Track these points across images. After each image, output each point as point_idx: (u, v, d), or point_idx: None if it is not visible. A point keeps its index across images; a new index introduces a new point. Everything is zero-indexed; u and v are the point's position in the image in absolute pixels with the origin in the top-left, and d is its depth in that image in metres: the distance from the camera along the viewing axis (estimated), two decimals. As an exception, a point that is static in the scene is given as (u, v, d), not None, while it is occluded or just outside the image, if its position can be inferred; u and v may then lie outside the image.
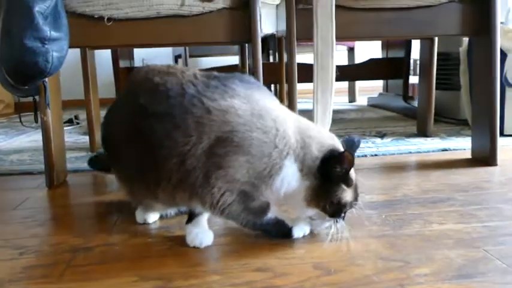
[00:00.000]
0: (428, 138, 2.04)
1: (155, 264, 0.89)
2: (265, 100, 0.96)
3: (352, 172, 0.96)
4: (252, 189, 0.90)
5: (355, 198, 0.98)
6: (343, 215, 0.97)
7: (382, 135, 2.15)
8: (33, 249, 0.99)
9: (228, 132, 0.88)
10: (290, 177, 0.92)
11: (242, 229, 0.99)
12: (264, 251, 0.93)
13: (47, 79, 1.34)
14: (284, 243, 0.96)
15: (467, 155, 1.68)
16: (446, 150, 1.80)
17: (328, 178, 0.93)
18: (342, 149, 0.96)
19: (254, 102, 0.92)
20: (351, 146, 1.02)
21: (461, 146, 1.83)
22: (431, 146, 1.86)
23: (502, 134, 1.98)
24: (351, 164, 0.93)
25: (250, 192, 0.91)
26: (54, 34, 1.19)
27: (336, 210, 0.94)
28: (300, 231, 0.99)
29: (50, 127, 1.44)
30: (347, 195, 0.95)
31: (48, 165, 1.46)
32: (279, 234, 0.98)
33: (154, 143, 0.92)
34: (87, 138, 2.11)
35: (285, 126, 0.93)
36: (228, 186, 0.89)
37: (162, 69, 1.01)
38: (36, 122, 1.45)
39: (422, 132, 2.14)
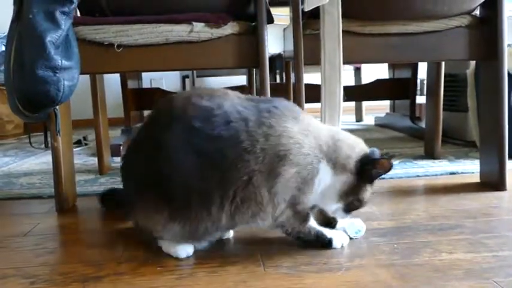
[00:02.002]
0: (436, 161, 2.04)
1: (164, 295, 0.90)
2: (305, 119, 1.09)
3: None
4: (299, 192, 1.03)
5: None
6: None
7: (390, 157, 2.13)
8: (44, 278, 1.00)
9: (284, 151, 1.01)
10: (325, 177, 1.06)
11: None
12: (272, 281, 0.93)
13: (58, 107, 1.35)
14: (291, 273, 0.96)
15: (476, 178, 1.68)
16: (454, 173, 1.79)
17: (362, 177, 1.08)
18: (370, 151, 1.12)
19: (300, 123, 1.06)
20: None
21: (470, 169, 1.83)
22: (440, 169, 1.86)
23: (510, 157, 1.97)
24: (386, 169, 1.08)
25: (297, 195, 1.04)
26: (65, 63, 1.21)
27: (357, 206, 1.11)
28: (339, 242, 1.10)
29: (60, 153, 1.45)
30: (368, 194, 1.11)
31: (58, 190, 1.47)
32: (319, 243, 1.09)
33: (220, 165, 0.99)
34: (95, 159, 2.12)
35: (322, 139, 1.08)
36: (284, 195, 1.02)
37: (207, 92, 1.08)
38: (46, 146, 1.46)
39: (430, 154, 2.14)
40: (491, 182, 1.59)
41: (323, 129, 1.12)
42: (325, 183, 1.07)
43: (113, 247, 1.17)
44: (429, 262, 0.99)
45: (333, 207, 1.11)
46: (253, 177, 1.00)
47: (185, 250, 1.07)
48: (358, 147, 1.10)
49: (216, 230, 1.05)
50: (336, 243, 1.09)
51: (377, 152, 1.15)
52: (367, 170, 1.07)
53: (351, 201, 1.09)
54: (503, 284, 0.87)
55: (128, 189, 1.13)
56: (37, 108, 1.24)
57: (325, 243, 1.09)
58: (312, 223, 1.08)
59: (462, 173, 1.79)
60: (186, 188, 1.00)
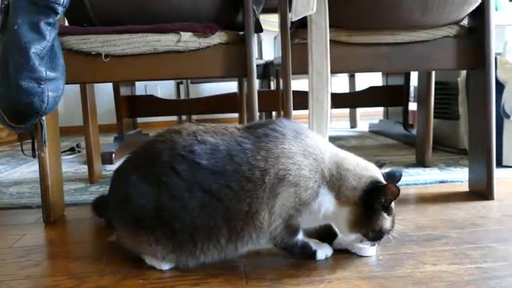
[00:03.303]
0: (427, 169, 2.04)
1: (145, 309, 0.89)
2: (307, 139, 1.09)
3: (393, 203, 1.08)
4: (295, 212, 1.04)
5: (393, 226, 1.08)
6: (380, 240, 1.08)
7: (380, 165, 2.13)
8: (26, 291, 0.99)
9: (284, 170, 1.02)
10: (326, 203, 1.05)
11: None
12: (254, 295, 0.93)
13: (44, 117, 1.35)
14: (273, 286, 0.96)
15: (465, 187, 1.68)
16: (444, 182, 1.79)
17: (371, 207, 1.04)
18: (380, 179, 1.07)
19: (299, 143, 1.07)
20: (392, 178, 1.12)
21: (460, 177, 1.83)
22: (429, 177, 1.86)
23: (500, 165, 1.98)
24: (395, 195, 1.04)
25: (293, 214, 1.04)
26: (50, 74, 1.21)
27: (377, 236, 1.06)
28: (322, 253, 1.10)
29: (47, 163, 1.45)
30: (387, 222, 1.06)
31: (45, 201, 1.46)
32: (304, 255, 1.09)
33: (225, 199, 1.00)
34: (87, 167, 2.11)
35: (325, 163, 1.06)
36: (281, 213, 1.03)
37: (208, 129, 1.08)
38: (34, 157, 1.46)
39: (421, 162, 2.14)
40: (479, 191, 1.59)
41: (328, 152, 1.09)
42: (327, 209, 1.05)
43: (97, 259, 1.16)
44: (411, 274, 0.99)
45: (351, 237, 1.07)
46: (255, 205, 1.01)
47: (169, 263, 1.07)
48: (365, 177, 1.06)
49: (218, 259, 1.06)
50: (320, 255, 1.09)
51: (398, 173, 1.15)
52: (376, 200, 1.03)
53: (367, 232, 1.04)
54: (483, 297, 0.87)
55: (119, 213, 1.10)
56: (22, 119, 1.24)
57: (310, 255, 1.09)
58: (300, 236, 1.08)
59: (452, 181, 1.80)
60: (192, 224, 1.00)
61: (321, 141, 1.12)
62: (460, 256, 1.08)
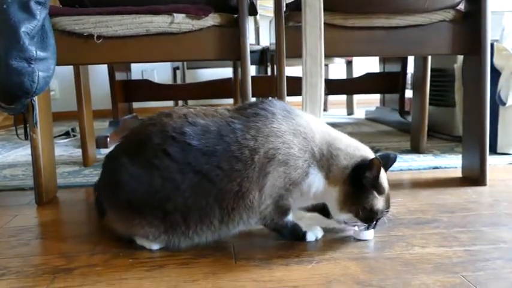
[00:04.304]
0: (421, 155, 2.04)
1: (132, 287, 0.89)
2: (298, 118, 1.08)
3: (384, 181, 1.07)
4: (286, 192, 1.03)
5: (387, 207, 1.07)
6: (374, 222, 1.06)
7: (375, 152, 2.13)
8: (15, 270, 0.99)
9: (273, 150, 1.02)
10: (317, 183, 1.04)
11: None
12: (242, 273, 0.93)
13: (35, 98, 1.34)
14: (262, 266, 0.96)
15: (458, 173, 1.68)
16: (437, 168, 1.79)
17: (361, 185, 1.03)
18: (382, 155, 1.09)
19: (289, 122, 1.06)
20: (386, 161, 1.11)
21: (453, 164, 1.82)
22: (423, 164, 1.86)
23: (495, 152, 1.98)
24: (378, 168, 1.02)
25: (283, 194, 1.03)
26: (40, 54, 1.20)
27: (368, 216, 1.04)
28: (312, 235, 1.10)
29: (39, 145, 1.44)
30: (378, 202, 1.04)
31: (37, 182, 1.46)
32: (294, 236, 1.09)
33: (217, 180, 1.00)
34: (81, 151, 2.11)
35: (316, 143, 1.06)
36: (272, 193, 1.02)
37: (198, 112, 1.08)
38: (27, 138, 1.45)
39: (416, 148, 2.14)
40: (472, 177, 1.59)
41: (319, 132, 1.08)
42: (317, 189, 1.05)
43: (87, 239, 1.16)
44: (400, 256, 0.99)
45: (341, 217, 1.06)
46: (245, 184, 1.00)
47: (159, 243, 1.07)
48: (356, 156, 1.06)
49: (211, 239, 1.06)
50: (310, 237, 1.09)
51: (392, 155, 1.15)
52: (362, 176, 1.02)
53: (357, 211, 1.03)
54: (470, 278, 0.87)
55: (110, 195, 1.10)
56: (12, 99, 1.23)
57: (300, 237, 1.09)
58: (290, 217, 1.08)
59: (445, 167, 1.79)
60: (185, 205, 1.00)
61: (312, 120, 1.12)
62: (449, 239, 1.08)
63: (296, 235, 1.09)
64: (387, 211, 1.07)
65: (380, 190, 1.05)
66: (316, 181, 1.04)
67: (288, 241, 1.08)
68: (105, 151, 2.33)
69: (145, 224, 1.03)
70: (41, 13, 1.20)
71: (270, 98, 1.18)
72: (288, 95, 1.50)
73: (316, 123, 1.12)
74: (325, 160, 1.05)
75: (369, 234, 1.09)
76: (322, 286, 0.87)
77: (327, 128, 1.12)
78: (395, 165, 1.81)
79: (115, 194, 1.06)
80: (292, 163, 1.02)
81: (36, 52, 1.18)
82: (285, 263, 0.98)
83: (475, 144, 1.57)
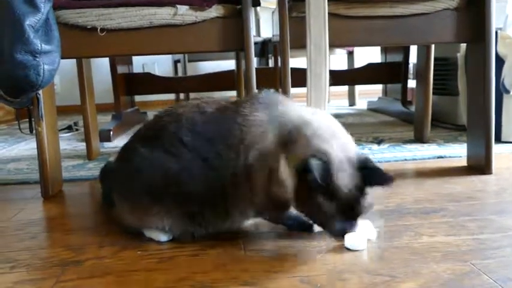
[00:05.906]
0: (425, 145, 2.04)
1: (142, 278, 0.90)
2: (284, 107, 1.04)
3: (340, 184, 0.91)
4: (269, 182, 0.98)
5: (351, 215, 0.94)
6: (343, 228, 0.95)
7: (379, 142, 2.14)
8: (25, 263, 0.99)
9: (252, 139, 0.99)
10: (286, 173, 0.96)
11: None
12: (252, 264, 0.93)
13: (40, 91, 1.34)
14: (271, 256, 0.96)
15: (463, 162, 1.68)
16: (442, 157, 1.79)
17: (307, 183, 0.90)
18: (335, 155, 0.92)
19: (273, 111, 1.02)
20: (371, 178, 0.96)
21: (458, 153, 1.82)
22: (428, 153, 1.86)
23: (499, 141, 1.98)
24: (323, 172, 0.89)
25: (268, 185, 0.98)
26: (45, 47, 1.20)
27: (319, 221, 0.99)
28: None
29: (45, 138, 1.45)
30: (328, 208, 0.92)
31: (43, 175, 1.46)
32: (300, 228, 1.08)
33: (218, 167, 1.00)
34: (85, 145, 2.11)
35: (286, 128, 0.98)
36: (260, 184, 0.99)
37: (208, 102, 1.10)
38: (32, 132, 1.45)
39: (419, 138, 2.13)
40: (477, 166, 1.59)
41: (297, 118, 1.00)
42: (287, 180, 0.96)
43: (95, 232, 1.16)
44: (409, 245, 0.99)
45: (295, 211, 1.03)
46: (239, 174, 1.00)
47: (168, 235, 1.07)
48: (313, 146, 0.93)
49: (225, 228, 1.07)
50: (317, 228, 1.08)
51: (369, 160, 0.99)
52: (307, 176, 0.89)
53: (306, 212, 0.99)
54: (480, 266, 0.87)
55: (120, 187, 1.11)
56: (18, 93, 1.23)
57: (306, 227, 1.08)
58: (291, 210, 1.05)
59: (450, 156, 1.79)
60: (198, 193, 1.01)
61: (296, 109, 1.05)
62: (457, 228, 1.08)
63: (303, 226, 1.09)
64: (354, 220, 0.95)
65: (332, 194, 0.91)
66: (286, 171, 0.95)
67: (295, 232, 1.08)
68: (109, 144, 2.34)
69: (163, 213, 1.04)
70: (45, 6, 1.20)
71: (271, 89, 1.16)
72: (292, 86, 1.49)
73: (302, 109, 1.06)
74: (288, 147, 0.96)
75: (359, 244, 0.97)
76: (332, 276, 0.87)
77: (308, 115, 1.02)
78: (399, 155, 1.83)
79: (132, 183, 1.06)
80: (268, 153, 0.97)
81: (41, 45, 1.18)
82: (294, 253, 0.98)
83: (480, 133, 1.56)
